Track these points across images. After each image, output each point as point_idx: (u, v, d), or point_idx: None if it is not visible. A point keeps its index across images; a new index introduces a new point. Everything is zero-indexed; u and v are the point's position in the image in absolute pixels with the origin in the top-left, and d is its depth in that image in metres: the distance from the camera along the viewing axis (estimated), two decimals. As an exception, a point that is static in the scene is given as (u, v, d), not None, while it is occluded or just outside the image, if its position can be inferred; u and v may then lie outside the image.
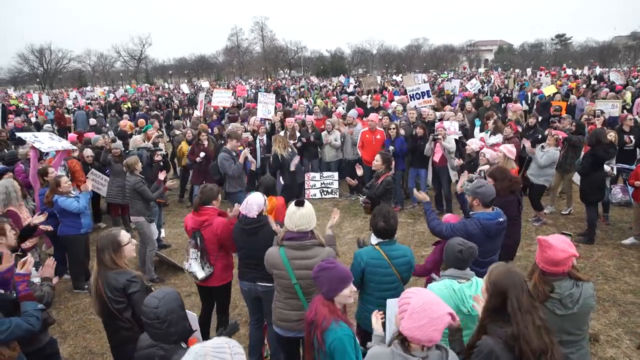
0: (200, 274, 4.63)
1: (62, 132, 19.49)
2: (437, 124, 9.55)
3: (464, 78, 39.66)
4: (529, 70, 41.27)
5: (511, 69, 58.16)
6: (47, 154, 8.16)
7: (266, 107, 12.20)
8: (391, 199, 6.35)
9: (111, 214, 8.86)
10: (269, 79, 63.71)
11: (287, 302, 3.69)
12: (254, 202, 4.26)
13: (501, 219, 4.18)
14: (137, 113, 21.02)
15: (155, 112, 20.08)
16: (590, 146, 7.55)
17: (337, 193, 10.77)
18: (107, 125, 19.27)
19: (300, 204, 3.69)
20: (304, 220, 3.63)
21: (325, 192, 10.76)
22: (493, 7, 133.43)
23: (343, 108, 15.20)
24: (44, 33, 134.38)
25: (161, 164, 7.63)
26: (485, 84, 28.44)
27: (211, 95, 19.36)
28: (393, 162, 6.56)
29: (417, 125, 9.50)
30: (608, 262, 7.04)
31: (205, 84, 46.62)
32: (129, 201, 7.01)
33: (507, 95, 20.40)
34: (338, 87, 32.29)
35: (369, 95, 18.20)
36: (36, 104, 32.62)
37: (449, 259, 3.34)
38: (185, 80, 70.77)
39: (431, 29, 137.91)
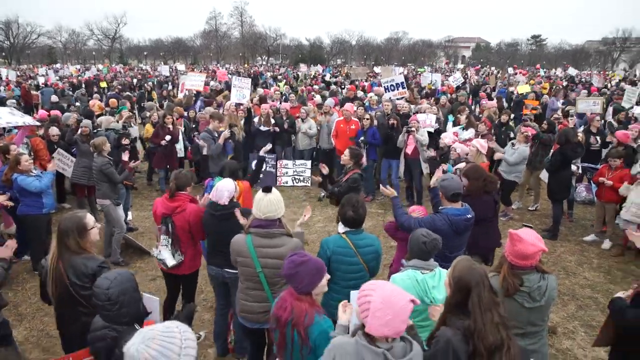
0: (171, 262, 4.48)
1: (28, 110, 18.86)
2: (411, 118, 9.58)
3: (444, 73, 40.09)
4: (510, 69, 41.72)
5: (487, 66, 59.09)
6: (9, 130, 7.86)
7: (241, 92, 11.97)
8: (358, 193, 6.03)
9: (76, 194, 8.59)
10: (247, 65, 62.96)
11: (251, 294, 3.64)
12: (224, 189, 4.18)
13: (469, 215, 4.19)
14: (109, 93, 20.49)
15: (128, 92, 19.51)
16: (559, 145, 7.70)
17: (309, 181, 10.74)
18: (77, 104, 18.70)
19: (267, 190, 3.60)
20: (272, 207, 3.55)
21: (297, 180, 10.73)
22: (472, 4, 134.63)
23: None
24: (10, 4, 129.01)
25: (128, 147, 7.41)
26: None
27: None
28: (363, 158, 6.42)
29: (391, 117, 9.53)
30: (569, 257, 7.25)
31: (181, 66, 45.68)
32: (95, 183, 6.81)
33: (487, 91, 20.53)
34: (317, 76, 32.15)
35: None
36: (3, 78, 31.38)
37: (413, 249, 3.34)
38: (162, 62, 69.18)
39: (411, 23, 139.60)
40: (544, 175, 8.50)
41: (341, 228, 3.79)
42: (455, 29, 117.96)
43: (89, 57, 79.22)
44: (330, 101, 12.38)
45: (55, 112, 10.49)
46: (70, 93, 22.11)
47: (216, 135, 8.02)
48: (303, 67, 41.05)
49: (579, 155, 8.10)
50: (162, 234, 4.52)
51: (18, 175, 6.05)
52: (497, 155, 8.32)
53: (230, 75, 24.38)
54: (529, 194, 9.81)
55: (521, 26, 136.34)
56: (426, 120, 9.70)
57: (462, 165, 6.19)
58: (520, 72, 36.81)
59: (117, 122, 9.62)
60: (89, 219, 3.41)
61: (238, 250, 3.61)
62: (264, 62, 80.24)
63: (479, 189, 4.93)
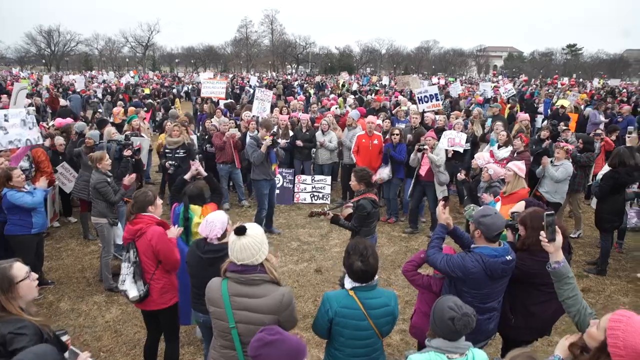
0: (132, 293, 3.90)
1: (53, 115, 18.83)
2: (427, 134, 8.52)
3: (474, 83, 38.83)
4: (565, 79, 39.38)
5: (521, 75, 57.21)
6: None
7: (262, 105, 11.48)
8: (372, 223, 5.35)
9: (80, 208, 8.13)
10: (274, 73, 62.94)
11: (223, 353, 2.90)
12: (215, 220, 3.51)
13: (508, 257, 3.37)
14: (133, 101, 20.34)
15: (150, 100, 19.28)
16: (611, 167, 6.76)
17: (328, 199, 10.01)
18: (102, 111, 18.61)
19: (240, 231, 2.78)
20: (247, 253, 2.76)
21: (315, 197, 10.02)
22: (505, 13, 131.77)
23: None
24: (53, 15, 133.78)
25: (132, 160, 6.86)
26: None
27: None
28: (374, 176, 5.67)
29: (419, 133, 8.72)
30: (622, 298, 6.28)
31: (208, 74, 45.78)
32: (92, 199, 6.28)
33: (533, 104, 19.06)
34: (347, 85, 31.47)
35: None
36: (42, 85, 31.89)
37: (437, 325, 2.55)
38: (192, 70, 70.00)
39: (442, 32, 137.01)
40: (593, 202, 7.55)
41: (348, 282, 3.01)
42: (487, 38, 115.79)
43: (123, 64, 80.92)
44: (355, 113, 11.66)
45: (67, 121, 10.11)
46: (96, 100, 22.09)
47: (262, 143, 7.74)
48: (344, 75, 40.07)
49: (635, 180, 7.10)
50: (124, 262, 3.98)
51: (8, 190, 5.57)
52: (543, 163, 7.61)
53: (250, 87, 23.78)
54: (570, 218, 8.85)
55: (556, 35, 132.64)
56: (456, 138, 8.85)
57: (520, 207, 4.37)
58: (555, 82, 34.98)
59: (127, 131, 9.20)
60: (17, 269, 2.63)
61: (211, 298, 2.89)
62: (294, 70, 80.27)
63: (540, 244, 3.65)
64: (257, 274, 2.79)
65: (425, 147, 7.76)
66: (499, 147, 8.57)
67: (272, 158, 8.07)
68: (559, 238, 2.78)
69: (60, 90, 27.10)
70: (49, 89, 25.86)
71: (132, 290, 3.91)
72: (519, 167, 5.75)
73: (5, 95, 17.71)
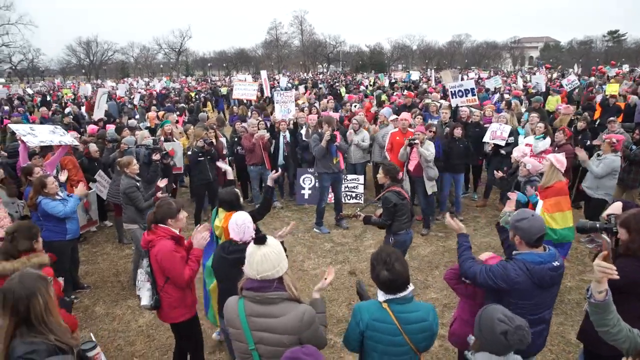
0: (144, 301, 3.86)
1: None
2: (416, 127, 8.39)
3: (510, 76, 37.67)
4: (625, 67, 37.12)
5: (559, 66, 55.13)
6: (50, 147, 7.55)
7: (285, 107, 11.35)
8: (402, 216, 5.27)
9: (114, 213, 8.23)
10: (305, 73, 63.05)
11: None
12: (247, 221, 3.41)
13: (556, 263, 3.07)
14: (167, 106, 20.65)
15: (182, 104, 19.54)
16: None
17: (362, 198, 9.81)
18: (137, 117, 18.97)
19: (260, 240, 2.62)
20: (268, 265, 2.57)
21: (349, 197, 9.82)
22: (539, 3, 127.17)
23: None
24: (91, 26, 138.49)
25: (160, 164, 6.86)
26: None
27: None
28: (400, 174, 5.62)
29: (454, 126, 8.42)
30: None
31: (242, 76, 46.39)
32: (122, 205, 6.31)
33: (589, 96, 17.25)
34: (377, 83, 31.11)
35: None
36: (80, 94, 33.02)
37: (486, 339, 2.31)
38: (224, 73, 71.06)
39: (474, 25, 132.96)
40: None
41: (381, 295, 2.78)
42: (521, 29, 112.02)
43: (158, 70, 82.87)
44: (386, 111, 11.41)
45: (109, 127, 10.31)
46: (130, 106, 22.56)
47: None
48: (399, 73, 39.26)
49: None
50: (140, 268, 3.95)
51: (43, 198, 5.64)
52: (581, 158, 7.10)
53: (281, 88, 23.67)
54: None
55: (594, 22, 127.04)
56: (498, 131, 8.48)
57: (616, 208, 3.70)
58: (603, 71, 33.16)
59: (159, 136, 9.27)
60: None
61: (229, 319, 2.70)
62: (325, 70, 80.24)
63: None
64: (273, 291, 2.58)
65: (416, 141, 7.59)
66: (536, 138, 8.14)
67: (333, 152, 8.09)
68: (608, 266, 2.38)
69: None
70: (87, 97, 26.63)
71: (145, 298, 3.87)
72: (558, 159, 5.38)
73: (45, 108, 18.41)
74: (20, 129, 6.94)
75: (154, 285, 3.85)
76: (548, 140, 7.96)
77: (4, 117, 17.95)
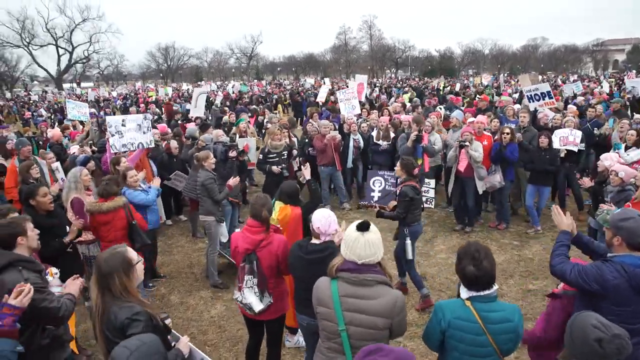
0: (258, 307, 3.71)
1: (168, 123, 20.37)
2: (464, 128, 8.22)
3: (592, 80, 35.37)
4: None
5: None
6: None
7: (349, 104, 11.36)
8: (416, 209, 5.62)
9: (190, 207, 8.57)
10: (374, 78, 62.80)
11: (330, 357, 2.75)
12: (332, 215, 3.47)
13: None
14: (237, 106, 21.32)
15: (254, 106, 20.09)
16: None
17: (433, 203, 9.55)
18: (210, 117, 19.76)
19: (364, 227, 2.70)
20: (372, 250, 2.66)
21: (419, 201, 9.60)
22: (625, 2, 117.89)
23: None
24: (168, 32, 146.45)
25: (236, 161, 7.06)
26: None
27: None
28: (416, 170, 5.81)
29: (541, 134, 7.96)
30: None
31: (310, 80, 47.16)
32: (199, 198, 6.54)
33: None
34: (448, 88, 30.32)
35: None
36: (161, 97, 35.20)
37: (575, 346, 2.10)
38: (294, 78, 72.50)
39: (551, 28, 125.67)
40: None
41: (464, 292, 2.68)
42: (605, 31, 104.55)
43: (230, 75, 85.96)
44: (458, 113, 11.06)
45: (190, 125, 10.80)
46: (218, 108, 23.57)
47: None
48: (486, 77, 37.89)
49: None
50: (245, 274, 3.76)
51: (126, 188, 5.98)
52: None
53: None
54: None
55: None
56: (569, 136, 7.97)
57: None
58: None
59: (235, 134, 9.56)
60: (131, 252, 2.77)
61: (320, 297, 2.79)
62: (393, 75, 79.54)
63: None
64: (371, 274, 2.64)
65: (466, 143, 7.58)
66: (627, 148, 7.50)
67: (418, 153, 8.06)
68: None
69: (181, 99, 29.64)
70: (168, 98, 28.28)
71: (257, 303, 3.72)
72: (653, 170, 4.94)
73: (134, 108, 19.68)
74: (113, 124, 7.44)
75: (265, 287, 3.74)
76: (640, 150, 7.32)
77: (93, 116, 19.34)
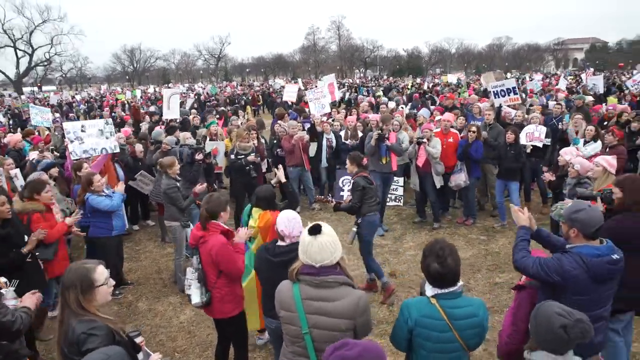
0: (195, 299, 3.87)
1: (136, 125, 19.96)
2: (423, 125, 8.59)
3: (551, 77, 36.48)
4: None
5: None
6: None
7: (318, 103, 11.38)
8: (371, 199, 5.73)
9: (158, 212, 8.41)
10: (344, 78, 63.07)
11: None
12: (297, 217, 3.40)
13: (615, 256, 2.94)
14: (206, 108, 21.07)
15: (223, 108, 19.89)
16: None
17: (401, 201, 9.67)
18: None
19: (316, 230, 2.63)
20: (326, 254, 2.60)
21: (388, 199, 9.66)
22: (584, 3, 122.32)
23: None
24: (134, 34, 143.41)
25: (203, 164, 6.96)
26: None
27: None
28: (365, 160, 5.98)
29: (508, 129, 8.12)
30: None
31: (280, 81, 47.09)
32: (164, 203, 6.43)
33: None
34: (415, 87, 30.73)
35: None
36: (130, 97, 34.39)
37: (540, 334, 2.18)
38: (265, 78, 72.16)
39: (515, 27, 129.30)
40: None
41: (429, 289, 2.68)
42: (565, 31, 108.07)
43: (198, 76, 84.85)
44: (424, 112, 11.25)
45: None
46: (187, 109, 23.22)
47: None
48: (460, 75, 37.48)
49: None
50: (189, 266, 4.00)
51: (90, 194, 5.82)
52: None
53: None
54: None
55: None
56: (535, 132, 8.19)
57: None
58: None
59: (205, 137, 9.44)
60: (99, 273, 2.62)
61: (282, 301, 2.74)
62: (362, 75, 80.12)
63: (639, 203, 3.71)
64: (333, 275, 2.62)
65: (424, 140, 7.83)
66: (585, 143, 7.76)
67: (382, 151, 8.07)
68: None
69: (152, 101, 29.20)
70: (128, 101, 27.75)
71: (195, 296, 3.88)
72: (609, 162, 5.11)
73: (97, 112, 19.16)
74: (71, 131, 7.21)
75: (203, 282, 3.87)
76: (599, 143, 7.60)
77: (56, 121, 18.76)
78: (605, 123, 10.06)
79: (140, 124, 14.76)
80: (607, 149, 7.36)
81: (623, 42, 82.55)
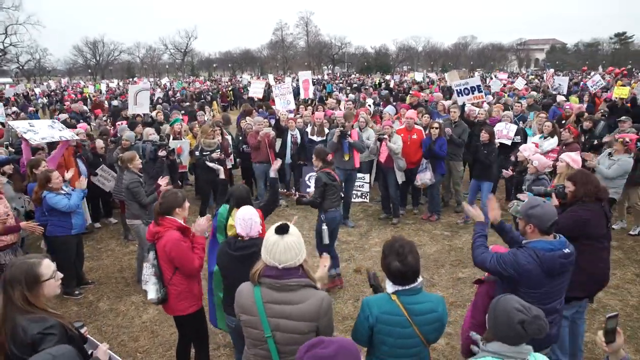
0: (151, 295, 3.83)
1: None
2: (384, 122, 8.82)
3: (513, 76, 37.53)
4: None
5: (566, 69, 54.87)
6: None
7: (284, 99, 11.39)
8: (333, 195, 5.83)
9: (120, 209, 8.20)
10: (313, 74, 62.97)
11: None
12: (253, 215, 3.30)
13: (567, 250, 3.08)
14: (172, 105, 20.67)
15: (187, 103, 19.55)
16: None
17: (368, 197, 9.76)
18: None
19: (283, 230, 2.58)
20: (291, 254, 2.55)
21: (355, 196, 9.75)
22: (545, 5, 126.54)
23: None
24: (98, 26, 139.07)
25: (167, 160, 6.83)
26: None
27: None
28: (330, 156, 6.05)
29: (482, 128, 8.25)
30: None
31: (247, 76, 46.62)
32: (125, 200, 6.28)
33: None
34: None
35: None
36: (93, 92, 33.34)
37: (498, 328, 2.24)
38: (229, 74, 71.24)
39: (480, 27, 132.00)
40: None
41: (390, 286, 2.69)
42: (527, 31, 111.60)
43: (163, 71, 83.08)
44: (390, 109, 11.37)
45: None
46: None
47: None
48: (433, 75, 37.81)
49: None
50: (145, 262, 3.92)
51: (47, 193, 5.63)
52: (590, 164, 6.91)
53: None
54: (629, 213, 8.21)
55: (601, 25, 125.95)
56: (503, 130, 8.43)
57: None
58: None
59: (169, 135, 9.24)
60: (45, 267, 2.54)
61: (243, 305, 2.66)
62: (330, 71, 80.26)
63: (590, 194, 3.97)
64: (294, 278, 2.56)
65: (385, 136, 7.89)
66: (545, 138, 8.08)
67: (345, 148, 8.08)
68: (620, 340, 2.30)
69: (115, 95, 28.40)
70: (90, 95, 26.90)
71: (151, 292, 3.83)
72: (573, 158, 5.32)
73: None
74: (20, 127, 6.96)
75: (160, 279, 3.82)
76: (555, 139, 7.91)
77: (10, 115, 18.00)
78: (564, 122, 10.49)
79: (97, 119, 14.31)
80: (564, 146, 7.67)
81: (580, 44, 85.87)
